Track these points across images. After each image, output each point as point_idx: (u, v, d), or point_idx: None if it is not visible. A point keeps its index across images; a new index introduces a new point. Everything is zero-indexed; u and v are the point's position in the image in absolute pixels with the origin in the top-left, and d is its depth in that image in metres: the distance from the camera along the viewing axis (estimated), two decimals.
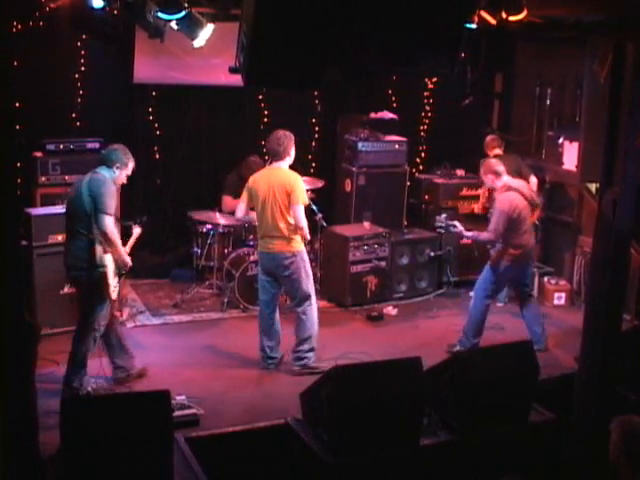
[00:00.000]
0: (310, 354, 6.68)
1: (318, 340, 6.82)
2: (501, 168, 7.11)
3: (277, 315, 6.83)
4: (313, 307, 6.73)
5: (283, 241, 6.52)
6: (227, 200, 8.61)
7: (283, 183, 6.50)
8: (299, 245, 6.60)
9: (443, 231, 7.86)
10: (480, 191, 8.78)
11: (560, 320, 8.05)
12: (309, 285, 6.68)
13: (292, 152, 6.66)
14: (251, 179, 6.76)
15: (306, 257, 6.70)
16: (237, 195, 8.66)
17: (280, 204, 6.48)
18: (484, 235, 7.07)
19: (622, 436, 3.84)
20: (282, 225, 6.49)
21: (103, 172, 6.04)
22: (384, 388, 5.24)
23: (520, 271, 7.19)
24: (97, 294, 5.91)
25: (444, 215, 7.63)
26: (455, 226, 7.29)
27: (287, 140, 6.61)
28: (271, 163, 6.76)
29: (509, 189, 7.03)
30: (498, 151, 8.57)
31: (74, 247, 5.96)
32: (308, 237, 6.81)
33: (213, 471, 5.05)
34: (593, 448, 5.24)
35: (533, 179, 8.35)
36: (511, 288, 7.72)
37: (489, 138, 8.78)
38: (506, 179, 7.10)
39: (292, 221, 6.50)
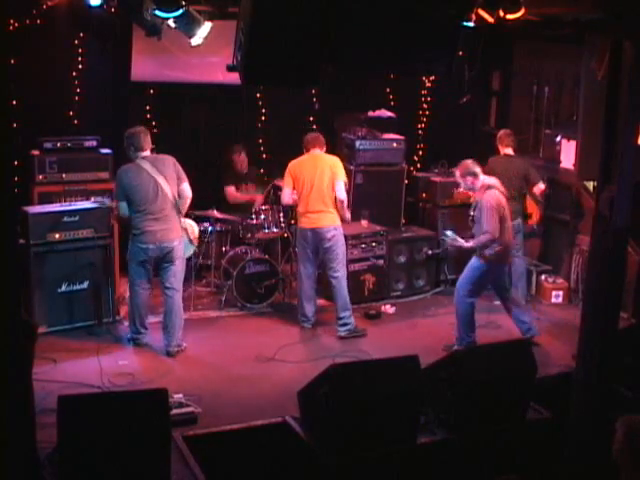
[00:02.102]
0: (352, 319, 7.48)
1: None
2: (478, 169, 7.10)
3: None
4: (345, 275, 7.57)
5: (327, 215, 7.39)
6: (230, 191, 8.76)
7: (328, 164, 7.45)
8: (338, 219, 7.47)
9: (447, 246, 7.89)
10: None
11: (558, 318, 8.06)
12: (345, 255, 7.61)
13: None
14: (292, 166, 7.52)
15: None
16: (238, 183, 8.74)
17: (326, 182, 7.37)
18: (483, 237, 6.91)
19: (626, 434, 3.85)
20: (327, 201, 7.38)
21: (149, 153, 6.84)
22: (381, 386, 5.24)
23: (501, 270, 7.19)
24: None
25: (449, 231, 7.42)
26: (456, 240, 7.21)
27: (321, 136, 7.71)
28: (308, 151, 7.56)
29: (489, 187, 7.04)
30: (509, 151, 8.35)
31: (173, 224, 6.80)
32: (348, 216, 7.66)
33: (211, 469, 5.05)
34: (591, 447, 5.25)
35: (541, 186, 8.23)
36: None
37: (504, 133, 8.52)
38: (482, 178, 7.10)
39: (333, 198, 7.37)
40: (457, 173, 7.21)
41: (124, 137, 6.88)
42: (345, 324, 7.38)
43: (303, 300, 7.63)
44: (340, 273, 7.47)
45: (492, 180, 7.17)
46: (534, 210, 8.47)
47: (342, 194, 7.42)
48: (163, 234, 6.73)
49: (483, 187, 7.05)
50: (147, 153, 6.80)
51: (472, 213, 7.12)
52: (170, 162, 6.87)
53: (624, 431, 3.85)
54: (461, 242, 7.17)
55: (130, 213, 6.74)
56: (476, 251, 7.06)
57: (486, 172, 8.24)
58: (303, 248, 7.53)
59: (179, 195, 6.82)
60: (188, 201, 6.93)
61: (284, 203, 7.78)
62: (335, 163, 7.49)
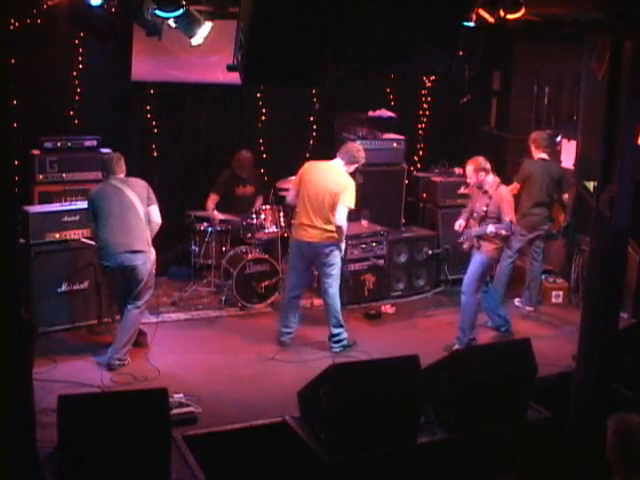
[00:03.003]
0: (345, 334, 7.14)
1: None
2: (489, 165, 7.21)
3: (302, 299, 7.41)
4: (338, 291, 7.18)
5: (325, 232, 6.93)
6: (210, 197, 8.62)
7: (337, 183, 6.91)
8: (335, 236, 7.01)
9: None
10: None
11: (558, 318, 8.05)
12: (339, 272, 7.18)
13: (353, 167, 7.15)
14: (306, 166, 7.17)
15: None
16: (226, 193, 8.68)
17: (329, 201, 6.87)
18: (505, 224, 6.98)
19: (615, 433, 3.86)
20: (327, 219, 6.90)
21: (122, 176, 6.70)
22: (381, 386, 5.25)
23: (494, 263, 7.46)
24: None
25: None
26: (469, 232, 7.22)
27: (361, 154, 7.15)
28: (334, 158, 7.14)
29: (500, 184, 7.22)
30: (544, 155, 8.13)
31: (139, 237, 6.55)
32: (342, 246, 7.11)
33: (211, 469, 5.05)
34: (590, 446, 5.25)
35: (565, 196, 8.23)
36: None
37: (539, 135, 8.23)
38: (491, 175, 7.21)
39: (332, 216, 6.88)
40: (470, 168, 7.24)
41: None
42: (339, 341, 7.09)
43: (288, 309, 7.24)
44: (333, 289, 7.10)
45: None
46: (559, 215, 8.40)
47: (340, 220, 6.87)
48: (126, 245, 6.47)
49: (495, 182, 7.19)
50: (120, 176, 6.66)
51: (485, 208, 7.15)
52: (141, 182, 6.72)
53: (614, 430, 3.86)
54: (489, 229, 7.02)
55: (96, 227, 6.60)
56: (475, 246, 7.16)
57: (522, 175, 8.10)
58: (295, 258, 7.19)
59: (148, 216, 6.64)
60: (156, 227, 6.72)
61: (288, 202, 7.58)
62: (346, 186, 6.91)
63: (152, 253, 6.65)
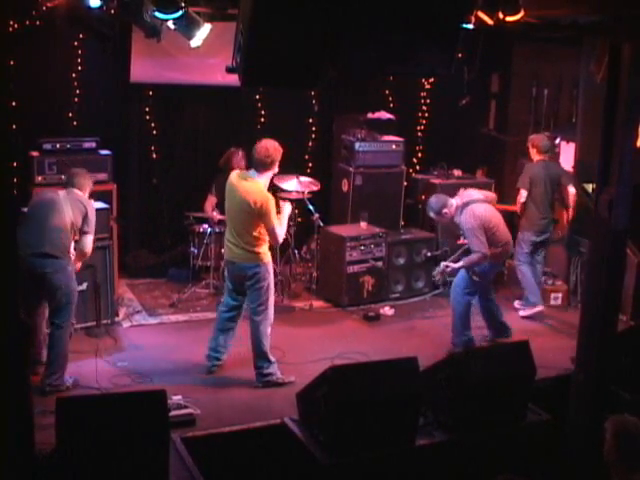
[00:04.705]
0: (273, 368, 6.51)
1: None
2: (444, 197, 7.16)
3: (237, 322, 6.70)
4: (269, 319, 6.52)
5: (247, 253, 6.34)
6: (208, 199, 8.53)
7: (249, 202, 6.20)
8: (264, 257, 6.38)
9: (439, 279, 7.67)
10: None
11: (556, 320, 8.06)
12: (270, 297, 6.49)
13: (276, 167, 6.40)
14: (229, 177, 6.57)
15: (271, 269, 6.49)
16: (223, 195, 8.64)
17: (244, 220, 6.30)
18: (474, 257, 6.93)
19: (615, 434, 3.87)
20: (244, 239, 6.31)
21: (73, 190, 6.46)
22: (380, 388, 5.24)
23: (495, 269, 7.35)
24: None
25: (438, 268, 7.31)
26: (448, 266, 7.15)
27: (276, 154, 6.34)
28: (249, 169, 6.55)
29: (464, 205, 7.06)
30: (540, 157, 8.08)
31: (55, 243, 6.16)
32: (270, 267, 6.50)
33: (209, 471, 5.05)
34: (589, 448, 5.25)
35: (571, 189, 8.15)
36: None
37: (540, 140, 8.16)
38: (453, 200, 7.11)
39: (256, 236, 6.28)
40: (432, 215, 7.25)
41: None
42: (264, 375, 6.44)
43: (216, 327, 6.72)
44: (260, 317, 6.41)
45: (463, 195, 7.24)
46: (562, 216, 8.33)
47: (276, 239, 6.36)
48: (35, 246, 6.04)
49: (458, 208, 7.07)
50: (74, 191, 6.39)
51: (462, 239, 7.20)
52: (84, 202, 6.35)
53: (612, 431, 3.87)
54: (453, 266, 7.14)
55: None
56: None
57: (525, 180, 8.00)
58: (227, 275, 6.70)
59: (78, 242, 6.28)
60: (82, 257, 6.41)
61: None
62: (261, 207, 6.16)
63: (69, 264, 6.21)
